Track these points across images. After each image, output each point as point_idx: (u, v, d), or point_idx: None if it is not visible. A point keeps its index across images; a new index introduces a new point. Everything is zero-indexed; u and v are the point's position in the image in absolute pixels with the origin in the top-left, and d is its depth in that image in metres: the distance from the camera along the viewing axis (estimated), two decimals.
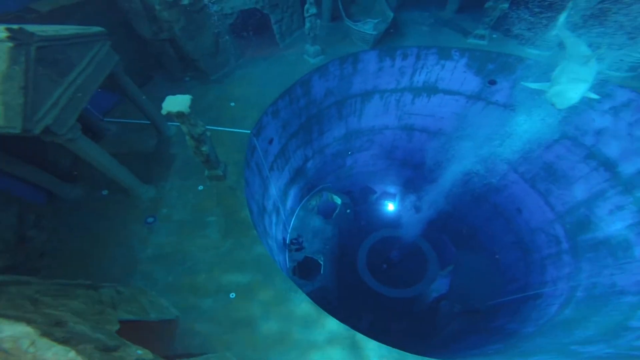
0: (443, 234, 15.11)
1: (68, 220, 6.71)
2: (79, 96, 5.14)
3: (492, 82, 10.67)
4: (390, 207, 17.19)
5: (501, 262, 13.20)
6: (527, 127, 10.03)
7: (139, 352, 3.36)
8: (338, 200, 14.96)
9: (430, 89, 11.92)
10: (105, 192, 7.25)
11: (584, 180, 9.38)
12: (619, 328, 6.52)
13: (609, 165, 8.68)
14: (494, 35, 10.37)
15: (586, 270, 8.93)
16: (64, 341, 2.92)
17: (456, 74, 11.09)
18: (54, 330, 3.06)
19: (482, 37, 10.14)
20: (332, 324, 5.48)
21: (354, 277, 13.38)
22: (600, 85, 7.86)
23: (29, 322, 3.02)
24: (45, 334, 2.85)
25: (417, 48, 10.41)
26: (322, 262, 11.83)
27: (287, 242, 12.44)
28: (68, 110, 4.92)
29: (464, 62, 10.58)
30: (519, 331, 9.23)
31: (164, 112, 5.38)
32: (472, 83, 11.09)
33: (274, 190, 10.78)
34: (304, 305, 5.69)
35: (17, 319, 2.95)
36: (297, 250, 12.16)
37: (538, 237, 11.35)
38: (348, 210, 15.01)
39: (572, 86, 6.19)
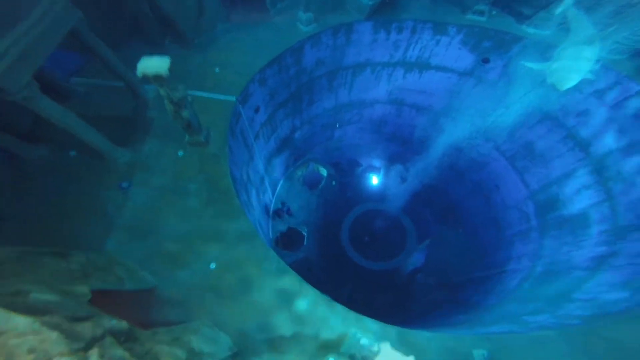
0: (425, 208, 15.50)
1: (32, 182, 6.27)
2: (33, 52, 4.67)
3: (486, 61, 10.46)
4: (375, 180, 17.31)
5: (474, 237, 13.79)
6: (515, 107, 10.06)
7: (113, 321, 3.25)
8: (324, 172, 14.86)
9: (423, 65, 11.56)
10: (73, 153, 6.76)
11: (560, 160, 9.66)
12: (564, 300, 7.04)
13: (583, 146, 8.93)
14: (494, 12, 9.97)
15: (548, 246, 9.46)
16: (27, 312, 2.75)
17: (450, 50, 10.74)
18: (15, 300, 2.87)
19: (481, 12, 9.72)
20: (312, 295, 5.57)
21: (337, 248, 13.70)
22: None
23: None
24: (5, 305, 2.67)
25: (414, 22, 9.89)
26: (305, 234, 11.93)
27: (272, 211, 12.40)
28: (19, 67, 4.47)
29: (459, 38, 10.20)
30: (482, 303, 9.87)
31: (139, 74, 4.91)
32: (465, 60, 10.81)
33: (258, 159, 10.50)
34: (285, 276, 5.72)
35: None
36: (287, 214, 12.05)
37: (511, 214, 11.80)
38: (334, 182, 15.00)
39: (575, 66, 6.08)
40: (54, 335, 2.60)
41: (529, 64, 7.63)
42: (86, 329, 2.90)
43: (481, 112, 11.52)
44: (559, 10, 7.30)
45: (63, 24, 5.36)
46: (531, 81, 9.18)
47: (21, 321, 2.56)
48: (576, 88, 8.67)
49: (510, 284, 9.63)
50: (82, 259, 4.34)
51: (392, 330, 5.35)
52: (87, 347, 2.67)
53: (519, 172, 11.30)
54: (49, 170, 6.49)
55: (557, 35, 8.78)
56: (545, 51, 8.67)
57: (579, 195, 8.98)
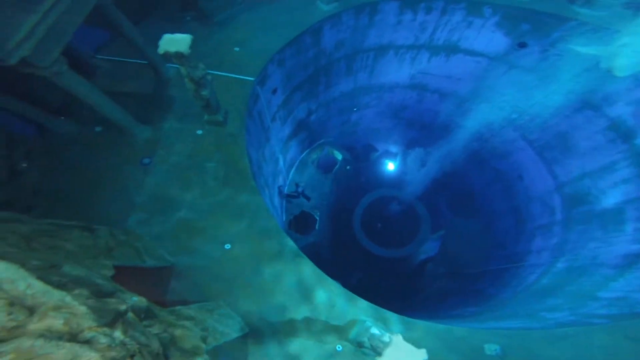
0: (441, 196, 15.28)
1: (60, 156, 6.56)
2: (61, 28, 4.71)
3: (523, 45, 9.73)
4: (391, 166, 17.08)
5: (492, 228, 13.54)
6: (554, 95, 9.45)
7: (134, 298, 3.46)
8: (339, 156, 14.76)
9: (451, 48, 10.95)
10: (98, 129, 7.00)
11: (597, 152, 9.05)
12: (588, 298, 6.87)
13: (627, 137, 8.30)
14: None
15: (572, 241, 9.13)
16: (59, 285, 2.96)
17: (483, 33, 10.06)
18: (50, 273, 3.09)
19: None
20: (324, 281, 5.71)
21: (348, 234, 13.84)
22: None
23: (23, 263, 3.04)
24: (40, 277, 2.87)
25: (444, 2, 9.25)
26: (317, 218, 12.07)
27: (285, 193, 12.56)
28: (49, 42, 4.55)
29: (495, 20, 9.50)
30: (496, 295, 9.79)
31: (160, 51, 4.94)
32: (499, 44, 10.11)
33: (274, 141, 10.51)
34: (298, 261, 5.86)
35: (12, 259, 2.96)
36: (303, 196, 12.16)
37: (534, 206, 11.41)
38: (348, 167, 14.92)
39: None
40: (83, 309, 2.79)
41: (580, 48, 7.01)
42: (111, 304, 3.10)
43: (511, 99, 10.94)
44: None
45: None
46: (577, 67, 8.51)
47: (56, 294, 2.75)
48: (637, 74, 8.01)
49: (528, 279, 9.45)
50: (106, 234, 4.57)
51: (402, 319, 5.45)
52: (112, 323, 2.86)
53: (547, 163, 10.76)
54: (76, 144, 6.76)
55: (615, 17, 8.03)
56: (595, 34, 8.01)
57: (616, 190, 8.48)
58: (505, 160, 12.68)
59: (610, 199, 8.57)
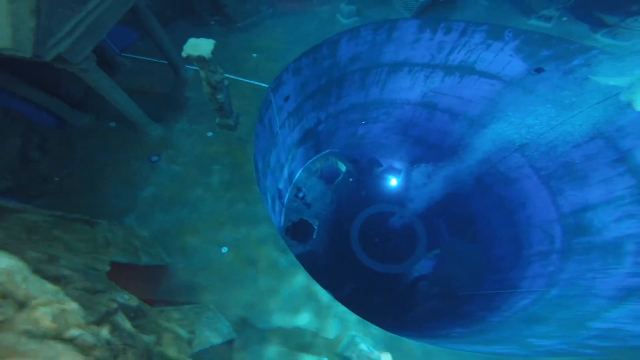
0: (441, 217, 15.21)
1: (73, 148, 6.73)
2: (97, 27, 4.89)
3: (540, 70, 9.71)
4: (394, 182, 17.07)
5: (488, 252, 13.42)
6: (567, 123, 9.40)
7: (125, 296, 3.52)
8: (343, 167, 14.81)
9: (466, 69, 11.01)
10: (113, 124, 7.17)
11: (604, 184, 9.00)
12: (579, 327, 6.84)
13: (636, 172, 8.25)
14: (564, 18, 9.13)
15: (570, 271, 9.06)
16: (54, 280, 3.04)
17: (500, 57, 10.10)
18: (46, 267, 3.17)
19: (548, 18, 8.90)
20: (317, 292, 5.71)
21: (345, 246, 13.83)
22: None
23: (23, 255, 3.13)
24: (37, 270, 2.95)
25: (465, 23, 9.34)
26: (316, 227, 12.09)
27: (287, 199, 12.62)
28: (84, 40, 4.74)
29: (514, 44, 9.54)
30: (485, 319, 9.70)
31: (184, 54, 5.12)
32: (516, 68, 10.13)
33: (281, 148, 10.62)
34: (293, 270, 5.89)
35: (12, 250, 3.04)
36: (303, 201, 12.23)
37: (534, 234, 11.32)
38: (351, 179, 14.94)
39: None
40: (75, 305, 2.85)
41: (600, 78, 6.98)
42: (102, 302, 3.17)
43: (522, 125, 10.91)
44: None
45: (127, 0, 5.62)
46: (595, 96, 8.47)
47: (50, 289, 2.81)
48: None
49: (519, 304, 9.37)
50: (105, 229, 4.66)
51: (391, 337, 5.42)
52: (101, 321, 2.91)
53: (552, 192, 10.68)
54: (90, 138, 6.94)
55: (638, 48, 8.02)
56: (616, 65, 7.98)
57: (619, 224, 8.43)
58: (511, 187, 12.61)
59: (612, 233, 8.51)
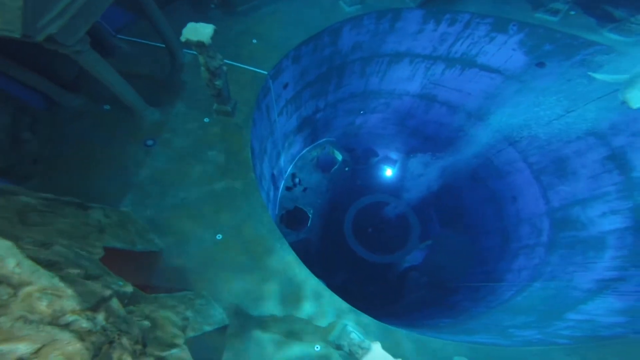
0: (434, 208, 15.42)
1: (65, 129, 6.56)
2: (91, 8, 4.66)
3: (541, 65, 9.65)
4: (389, 172, 17.16)
5: (477, 244, 13.72)
6: (562, 119, 9.46)
7: (120, 283, 3.53)
8: (339, 156, 14.79)
9: (467, 62, 10.91)
10: (107, 107, 7.00)
11: (592, 180, 9.21)
12: (556, 318, 7.12)
13: (625, 169, 8.43)
14: (572, 12, 8.99)
15: (553, 264, 9.34)
16: (48, 265, 3.02)
17: (503, 50, 10.00)
18: (40, 252, 3.15)
19: (555, 12, 8.74)
20: (310, 281, 5.81)
21: (338, 234, 13.98)
22: None
23: (16, 240, 3.09)
24: (30, 255, 2.93)
25: (470, 15, 9.17)
26: (310, 215, 12.16)
27: (282, 187, 12.62)
28: (77, 21, 4.50)
29: (518, 38, 9.42)
30: (470, 309, 10.03)
31: (183, 39, 4.97)
32: (516, 62, 10.05)
33: (278, 135, 10.53)
34: (287, 258, 5.95)
35: (4, 235, 3.01)
36: (298, 186, 12.26)
37: (523, 227, 11.57)
38: (347, 168, 14.96)
39: None
40: (69, 291, 2.85)
41: (598, 75, 6.97)
42: (97, 288, 3.17)
43: (519, 120, 10.96)
44: None
45: None
46: (594, 93, 8.51)
47: (44, 274, 2.80)
48: None
49: (504, 295, 9.69)
50: (99, 213, 4.62)
51: (381, 327, 5.58)
52: (96, 307, 2.93)
53: (542, 186, 10.88)
54: (82, 120, 6.76)
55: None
56: (617, 62, 7.97)
57: (603, 219, 8.68)
58: (503, 180, 12.77)
59: (596, 227, 8.76)
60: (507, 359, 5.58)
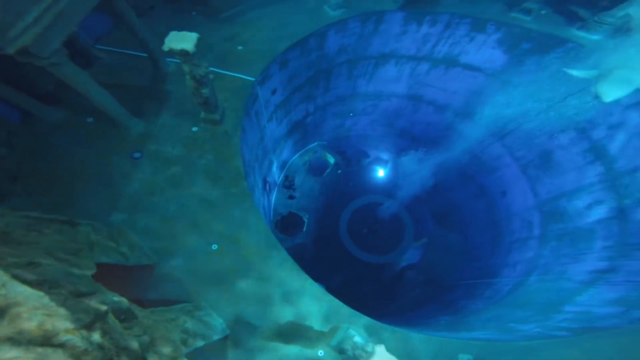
0: (426, 206, 15.53)
1: (46, 143, 6.33)
2: (67, 17, 4.46)
3: (519, 62, 9.95)
4: (381, 173, 17.26)
5: (472, 240, 13.84)
6: (542, 114, 9.72)
7: (115, 299, 3.38)
8: (331, 160, 14.78)
9: (450, 62, 11.15)
10: (90, 120, 6.79)
11: (576, 172, 9.43)
12: (553, 311, 7.16)
13: (606, 161, 8.65)
14: (543, 11, 9.35)
15: (545, 256, 9.47)
16: (36, 284, 2.86)
17: (483, 49, 10.28)
18: (26, 272, 2.98)
19: (528, 11, 9.11)
20: (309, 286, 5.71)
21: (334, 237, 13.90)
22: None
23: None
24: (16, 275, 2.77)
25: (450, 15, 9.40)
26: (306, 220, 12.07)
27: (276, 192, 12.50)
28: (52, 32, 4.30)
29: (496, 37, 9.71)
30: (469, 306, 10.05)
31: (165, 48, 4.87)
32: (497, 61, 10.34)
33: (269, 141, 10.45)
34: (285, 265, 5.85)
35: None
36: (291, 190, 12.21)
37: (514, 221, 11.71)
38: (339, 171, 14.95)
39: (627, 77, 5.68)
40: (61, 310, 2.71)
41: (572, 71, 7.22)
42: (91, 305, 3.02)
43: (502, 116, 11.23)
44: (622, 12, 6.70)
45: None
46: (569, 88, 8.80)
47: (32, 294, 2.65)
48: (621, 100, 8.32)
49: (502, 290, 9.75)
50: (88, 229, 4.44)
51: (383, 328, 5.51)
52: (91, 325, 2.79)
53: (530, 180, 11.08)
54: (65, 133, 6.53)
55: (607, 42, 8.32)
56: (589, 58, 8.26)
57: (589, 210, 8.85)
58: (491, 176, 12.99)
59: (584, 218, 8.95)
60: (510, 354, 5.57)
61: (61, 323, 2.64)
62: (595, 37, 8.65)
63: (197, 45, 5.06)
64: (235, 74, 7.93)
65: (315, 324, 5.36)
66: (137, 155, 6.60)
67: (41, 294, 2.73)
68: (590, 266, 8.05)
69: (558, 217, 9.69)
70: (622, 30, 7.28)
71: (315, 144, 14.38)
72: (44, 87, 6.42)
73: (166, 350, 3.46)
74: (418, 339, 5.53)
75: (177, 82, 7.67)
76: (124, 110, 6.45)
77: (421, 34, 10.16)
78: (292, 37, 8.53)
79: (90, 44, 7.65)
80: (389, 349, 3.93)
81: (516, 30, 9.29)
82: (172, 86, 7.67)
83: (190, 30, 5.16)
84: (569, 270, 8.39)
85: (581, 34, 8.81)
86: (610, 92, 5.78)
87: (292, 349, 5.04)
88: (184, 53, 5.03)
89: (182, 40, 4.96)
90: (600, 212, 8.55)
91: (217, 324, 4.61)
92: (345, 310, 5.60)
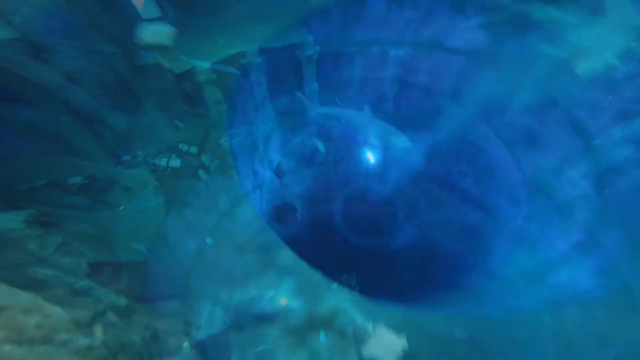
0: (419, 190, 15.71)
1: (19, 145, 5.97)
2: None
3: (500, 45, 10.06)
4: (372, 159, 17.33)
5: (462, 220, 14.18)
6: (525, 93, 9.92)
7: (112, 295, 3.34)
8: (322, 147, 14.73)
9: (434, 45, 11.18)
10: (67, 119, 6.47)
11: (560, 150, 9.73)
12: (540, 284, 7.63)
13: (587, 137, 8.93)
14: None
15: (533, 232, 9.81)
16: (26, 287, 2.79)
17: (466, 32, 10.32)
18: (15, 274, 2.90)
19: None
20: (305, 271, 5.76)
21: (328, 224, 13.96)
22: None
23: None
24: (4, 279, 2.68)
25: None
26: (299, 209, 12.07)
27: (266, 185, 12.41)
28: None
29: (477, 19, 9.76)
30: (463, 284, 10.44)
31: (138, 41, 4.58)
32: (479, 42, 10.43)
33: (258, 132, 10.33)
34: (280, 252, 5.87)
35: None
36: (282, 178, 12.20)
37: (503, 200, 12.05)
38: (330, 158, 14.93)
39: (603, 54, 5.81)
40: (57, 310, 2.66)
41: (549, 49, 7.34)
42: (88, 303, 2.98)
43: (487, 97, 11.39)
44: None
45: None
46: (547, 67, 9.01)
47: (24, 296, 2.59)
48: (597, 77, 8.54)
49: (493, 267, 10.10)
50: (76, 228, 4.34)
51: (381, 308, 5.63)
52: (91, 323, 2.75)
53: (517, 159, 11.39)
54: (37, 134, 6.19)
55: (583, 20, 8.48)
56: (567, 36, 8.43)
57: (573, 185, 9.14)
58: (480, 156, 13.24)
59: (568, 193, 9.27)
60: (503, 328, 5.79)
61: (59, 322, 2.60)
62: (572, 16, 8.79)
63: (173, 38, 4.79)
64: (218, 67, 7.68)
65: (315, 309, 5.41)
66: (121, 154, 6.40)
67: (33, 295, 2.66)
68: (573, 238, 8.42)
69: (544, 193, 10.02)
70: (597, 9, 7.42)
71: (305, 132, 14.29)
72: (7, 85, 5.94)
73: (170, 342, 3.46)
74: (415, 317, 5.67)
75: (156, 78, 7.25)
76: (102, 107, 6.15)
77: (404, 18, 10.15)
78: (274, 26, 8.37)
79: (59, 41, 7.17)
80: (388, 329, 4.02)
81: (496, 12, 9.35)
82: (154, 82, 7.29)
83: (163, 21, 4.87)
84: (556, 245, 8.75)
85: (557, 13, 8.93)
86: (587, 69, 5.95)
87: (293, 336, 5.08)
88: (161, 47, 4.81)
89: (156, 33, 4.70)
90: (583, 186, 8.88)
91: (218, 315, 4.62)
92: (344, 293, 5.71)
